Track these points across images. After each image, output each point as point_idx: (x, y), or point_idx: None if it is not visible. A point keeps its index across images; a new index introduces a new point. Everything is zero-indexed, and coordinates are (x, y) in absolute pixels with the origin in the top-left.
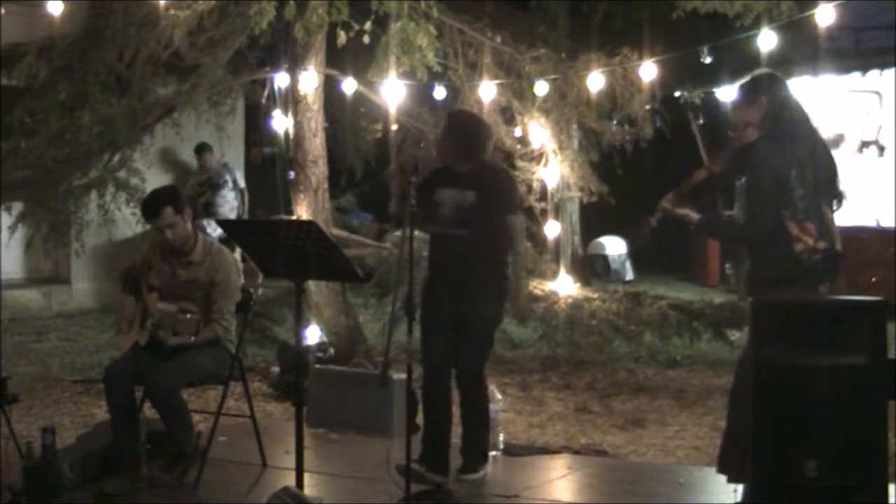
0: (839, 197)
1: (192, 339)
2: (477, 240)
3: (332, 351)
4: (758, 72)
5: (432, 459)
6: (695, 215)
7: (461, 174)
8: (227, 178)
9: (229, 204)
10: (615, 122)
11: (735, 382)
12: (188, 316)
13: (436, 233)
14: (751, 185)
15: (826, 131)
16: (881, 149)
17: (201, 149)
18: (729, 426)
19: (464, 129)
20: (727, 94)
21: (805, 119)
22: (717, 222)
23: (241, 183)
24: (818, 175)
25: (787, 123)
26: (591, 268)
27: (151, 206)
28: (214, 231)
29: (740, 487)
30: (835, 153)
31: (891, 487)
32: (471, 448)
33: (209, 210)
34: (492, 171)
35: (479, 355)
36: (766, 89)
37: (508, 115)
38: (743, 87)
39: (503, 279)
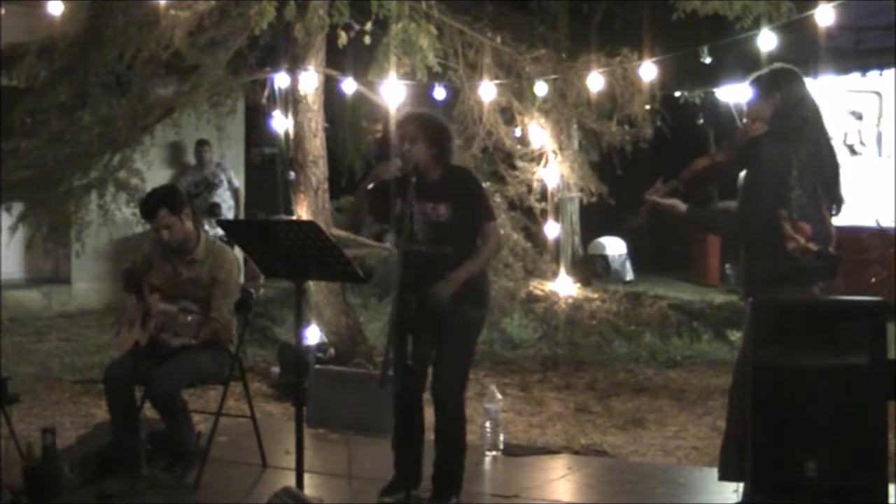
0: (838, 200)
1: (193, 341)
2: (461, 253)
3: (332, 351)
4: (775, 66)
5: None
6: (682, 206)
7: (432, 183)
8: (223, 177)
9: (226, 203)
10: (615, 121)
11: (733, 382)
12: (189, 318)
13: (412, 250)
14: (749, 180)
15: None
16: (853, 150)
17: (202, 143)
18: (728, 427)
19: (438, 131)
20: (728, 93)
21: (816, 118)
22: (705, 213)
23: (236, 182)
24: (821, 176)
25: (797, 121)
26: (591, 268)
27: (147, 206)
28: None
29: (740, 487)
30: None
31: (891, 487)
32: (444, 476)
33: (208, 210)
34: (461, 177)
35: (460, 370)
36: (780, 85)
37: (508, 116)
38: (757, 80)
39: (485, 287)
